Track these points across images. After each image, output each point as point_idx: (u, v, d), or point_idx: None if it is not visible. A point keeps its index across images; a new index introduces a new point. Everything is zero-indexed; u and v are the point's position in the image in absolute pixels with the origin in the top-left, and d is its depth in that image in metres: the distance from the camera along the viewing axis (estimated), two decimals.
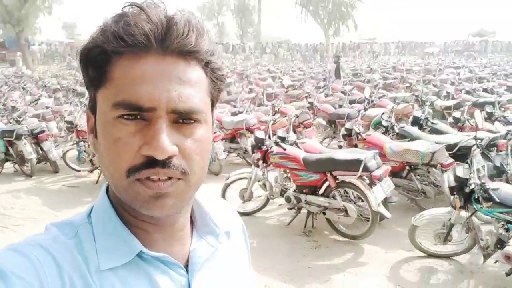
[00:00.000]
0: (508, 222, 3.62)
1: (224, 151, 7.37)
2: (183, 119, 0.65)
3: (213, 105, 0.73)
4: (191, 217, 0.80)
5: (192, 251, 0.76)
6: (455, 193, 4.01)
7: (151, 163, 0.62)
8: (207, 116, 0.69)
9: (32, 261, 0.62)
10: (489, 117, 7.40)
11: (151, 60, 0.63)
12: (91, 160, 7.30)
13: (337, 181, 4.73)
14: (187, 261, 0.75)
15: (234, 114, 8.77)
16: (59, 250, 0.65)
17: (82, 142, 7.52)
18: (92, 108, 0.70)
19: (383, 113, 6.69)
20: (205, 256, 0.76)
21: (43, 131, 7.65)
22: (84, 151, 7.47)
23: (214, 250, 0.79)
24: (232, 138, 7.93)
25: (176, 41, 0.64)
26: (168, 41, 0.64)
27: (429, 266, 4.28)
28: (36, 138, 7.55)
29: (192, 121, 0.66)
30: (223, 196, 5.49)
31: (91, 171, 7.41)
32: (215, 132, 7.19)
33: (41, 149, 7.62)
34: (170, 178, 0.64)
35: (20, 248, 0.64)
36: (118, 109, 0.63)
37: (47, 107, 10.51)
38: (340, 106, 9.18)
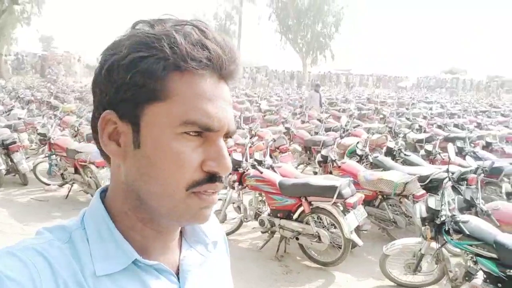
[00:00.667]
0: (477, 255, 3.69)
1: None
2: (225, 137, 0.71)
3: None
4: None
5: (183, 259, 0.77)
6: (426, 224, 4.08)
7: (212, 178, 0.67)
8: None
9: (27, 266, 0.61)
10: (460, 152, 7.60)
11: (211, 81, 0.67)
12: (62, 174, 7.11)
13: (311, 207, 4.76)
14: (177, 269, 0.76)
15: None
16: (54, 254, 0.65)
17: (54, 156, 7.34)
18: (129, 117, 0.67)
19: (358, 142, 6.81)
20: (195, 264, 0.78)
21: (14, 142, 7.39)
22: (56, 164, 7.30)
23: (204, 259, 0.81)
24: None
25: (234, 69, 0.70)
26: (229, 69, 0.69)
27: None
28: (7, 149, 7.30)
29: (227, 139, 0.72)
30: None
31: (61, 186, 7.23)
32: None
33: (11, 160, 7.37)
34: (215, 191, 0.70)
35: (15, 251, 0.63)
36: (188, 126, 0.65)
37: (20, 118, 10.26)
38: (316, 133, 9.31)
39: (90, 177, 6.50)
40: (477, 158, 6.71)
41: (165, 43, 0.64)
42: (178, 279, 0.75)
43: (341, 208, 4.61)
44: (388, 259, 4.42)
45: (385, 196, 5.49)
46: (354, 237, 4.56)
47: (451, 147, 4.72)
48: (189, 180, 0.66)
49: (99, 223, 0.71)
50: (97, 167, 6.39)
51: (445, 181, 4.88)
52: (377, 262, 4.56)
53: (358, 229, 4.86)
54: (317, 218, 4.85)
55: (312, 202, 4.75)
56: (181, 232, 0.81)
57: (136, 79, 0.64)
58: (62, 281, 0.62)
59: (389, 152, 7.02)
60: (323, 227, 4.79)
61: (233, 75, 0.70)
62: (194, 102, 0.65)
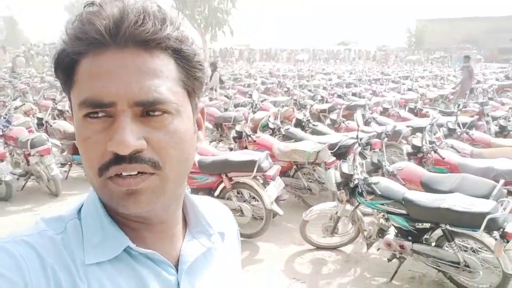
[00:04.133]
0: (388, 212, 4.02)
1: None
2: (149, 111, 0.63)
3: (190, 94, 0.70)
4: (184, 216, 0.80)
5: (183, 250, 0.75)
6: (341, 188, 4.35)
7: (118, 159, 0.61)
8: (181, 106, 0.66)
9: (15, 257, 0.60)
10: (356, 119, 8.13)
11: (109, 55, 0.62)
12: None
13: (232, 182, 4.84)
14: (178, 260, 0.74)
15: None
16: (44, 245, 0.64)
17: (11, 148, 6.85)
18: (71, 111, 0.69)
19: (269, 116, 6.99)
20: (196, 256, 0.75)
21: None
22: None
23: (206, 250, 0.77)
24: None
25: (129, 31, 0.62)
26: (121, 33, 0.62)
27: (319, 258, 4.59)
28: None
29: (160, 113, 0.63)
30: None
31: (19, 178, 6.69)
32: None
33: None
34: (141, 173, 0.63)
35: (4, 244, 0.62)
36: (82, 108, 0.62)
37: None
38: (226, 110, 9.36)
39: (39, 167, 6.19)
40: (381, 123, 7.21)
41: (64, 33, 0.65)
42: (178, 270, 0.72)
43: (261, 181, 4.74)
44: (307, 224, 4.65)
45: (299, 165, 5.73)
46: (275, 207, 4.73)
47: (359, 115, 5.03)
48: (98, 165, 0.62)
49: (93, 213, 0.70)
50: (41, 155, 6.09)
51: (355, 146, 5.21)
52: (297, 229, 4.79)
53: (277, 200, 5.03)
54: (238, 193, 4.94)
55: (232, 178, 4.83)
56: (186, 222, 0.79)
57: (56, 74, 0.67)
58: (51, 271, 0.62)
59: (298, 124, 7.31)
60: (244, 201, 4.91)
61: (138, 37, 0.62)
62: (86, 82, 0.62)
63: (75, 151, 7.07)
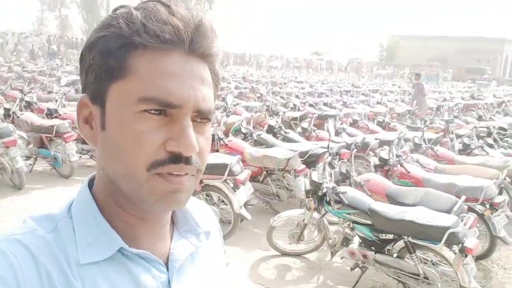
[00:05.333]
0: (354, 222, 4.12)
1: (76, 153, 6.94)
2: (200, 118, 0.68)
3: None
4: (171, 215, 0.81)
5: (173, 248, 0.76)
6: (310, 196, 4.42)
7: (176, 159, 0.64)
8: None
9: (8, 257, 0.60)
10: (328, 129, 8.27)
11: (178, 57, 0.65)
12: None
13: (202, 185, 4.85)
14: (167, 258, 0.75)
15: None
16: (37, 244, 0.64)
17: None
18: (97, 99, 0.68)
19: (242, 121, 7.03)
20: (185, 254, 0.76)
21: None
22: None
23: (194, 249, 0.79)
24: None
25: (205, 44, 0.67)
26: (198, 43, 0.66)
27: (284, 264, 4.65)
28: None
29: (206, 121, 0.69)
30: None
31: None
32: (68, 132, 6.77)
33: None
34: (186, 174, 0.66)
35: None
36: (146, 103, 0.63)
37: None
38: None
39: (3, 159, 6.01)
40: (351, 134, 7.36)
41: (121, 20, 0.64)
42: (168, 269, 0.73)
43: (231, 185, 4.77)
44: (274, 230, 4.70)
45: (269, 171, 5.79)
46: (243, 211, 4.77)
47: (331, 125, 5.14)
48: (150, 160, 0.64)
49: (85, 211, 0.70)
50: (6, 147, 5.94)
51: (325, 156, 5.31)
52: (263, 234, 4.83)
53: (245, 204, 5.07)
54: (207, 196, 4.95)
55: (202, 180, 4.83)
56: (173, 221, 0.80)
57: (97, 59, 0.66)
58: (45, 271, 0.62)
59: (270, 130, 7.37)
60: (213, 204, 4.92)
61: (205, 51, 0.68)
62: (153, 78, 0.63)
63: (41, 144, 6.94)
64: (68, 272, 0.64)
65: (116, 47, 0.64)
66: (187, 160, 0.65)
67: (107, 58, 0.65)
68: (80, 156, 7.19)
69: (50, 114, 7.73)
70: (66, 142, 6.66)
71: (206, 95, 0.67)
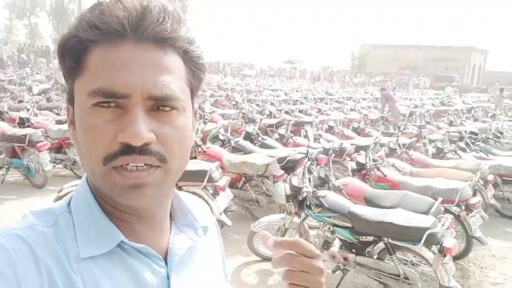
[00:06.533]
0: (334, 225, 4.15)
1: (50, 162, 6.80)
2: (159, 106, 0.65)
3: (193, 94, 0.73)
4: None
5: (171, 243, 0.76)
6: (290, 200, 4.44)
7: (128, 150, 0.62)
8: (186, 104, 0.69)
9: (8, 251, 0.60)
10: (306, 135, 8.34)
11: (126, 47, 0.64)
12: None
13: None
14: (166, 253, 0.75)
15: (59, 122, 8.18)
16: (36, 239, 0.63)
17: None
18: (71, 99, 0.69)
19: (219, 128, 7.02)
20: (184, 249, 0.76)
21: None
22: None
23: (193, 243, 0.79)
24: (59, 148, 7.39)
25: (151, 28, 0.64)
26: (143, 28, 0.64)
27: (266, 269, 4.64)
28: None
29: (169, 109, 0.65)
30: None
31: None
32: (41, 141, 6.63)
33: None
34: (148, 166, 0.64)
35: None
36: (93, 97, 0.63)
37: None
38: None
39: None
40: (329, 140, 7.43)
41: (75, 20, 0.66)
42: (166, 263, 0.73)
43: (211, 191, 4.75)
44: (255, 236, 4.70)
45: (248, 177, 5.79)
46: (224, 218, 4.75)
47: (310, 131, 5.20)
48: (104, 154, 0.63)
49: (84, 206, 0.70)
50: None
51: (305, 161, 5.33)
52: (243, 240, 4.82)
53: (225, 211, 5.05)
54: None
55: (182, 187, 4.79)
56: (171, 215, 0.80)
57: (60, 60, 0.68)
58: (44, 265, 0.61)
59: (248, 137, 7.39)
60: None
61: (157, 35, 0.65)
62: (100, 71, 0.63)
63: (13, 154, 6.78)
64: (68, 267, 0.63)
65: (70, 46, 0.65)
66: (141, 150, 0.63)
67: (65, 58, 0.67)
68: (54, 166, 7.06)
69: (22, 123, 7.58)
70: (39, 152, 6.53)
71: (161, 81, 0.64)
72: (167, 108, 0.65)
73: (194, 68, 0.71)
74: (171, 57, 0.67)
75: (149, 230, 0.73)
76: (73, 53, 0.65)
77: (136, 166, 0.63)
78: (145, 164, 0.64)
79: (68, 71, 0.67)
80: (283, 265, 0.72)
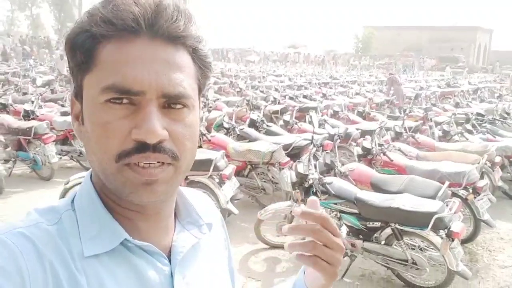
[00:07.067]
0: (341, 211, 4.14)
1: (56, 154, 6.82)
2: (171, 103, 0.65)
3: (200, 91, 0.73)
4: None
5: (175, 241, 0.75)
6: (296, 187, 4.43)
7: (142, 147, 0.63)
8: (195, 102, 0.69)
9: (12, 249, 0.60)
10: (311, 121, 8.30)
11: (140, 43, 0.64)
12: None
13: (186, 181, 4.81)
14: (170, 250, 0.74)
15: (64, 113, 8.20)
16: (41, 237, 0.63)
17: None
18: (78, 94, 0.69)
19: (224, 116, 7.00)
20: (188, 247, 0.76)
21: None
22: None
23: (197, 240, 0.78)
24: (65, 139, 7.41)
25: (166, 25, 0.64)
26: (158, 25, 0.64)
27: (273, 257, 4.66)
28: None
29: (180, 106, 0.66)
30: None
31: None
32: (46, 133, 6.65)
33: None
34: (160, 163, 0.64)
35: (0, 235, 0.61)
36: (107, 93, 0.62)
37: None
38: None
39: None
40: (334, 126, 7.39)
41: (85, 15, 0.65)
42: (170, 261, 0.73)
43: (217, 180, 4.75)
44: (262, 224, 4.70)
45: (253, 165, 5.78)
46: (230, 206, 4.76)
47: (315, 117, 5.16)
48: (117, 151, 0.63)
49: (88, 203, 0.70)
50: None
51: (310, 147, 5.31)
52: (250, 228, 4.83)
53: (231, 199, 5.06)
54: None
55: (188, 177, 4.80)
56: (175, 213, 0.79)
57: (69, 56, 0.68)
58: (48, 263, 0.62)
59: (252, 124, 7.37)
60: None
61: (171, 33, 0.65)
62: (113, 67, 0.63)
63: (19, 146, 6.81)
64: (72, 265, 0.63)
65: (81, 41, 0.65)
66: (155, 148, 0.63)
67: (75, 53, 0.66)
68: (60, 158, 7.08)
69: (27, 115, 7.59)
70: (45, 144, 6.54)
71: (175, 78, 0.65)
72: (178, 106, 0.66)
73: (202, 67, 0.71)
74: (182, 55, 0.67)
75: (153, 227, 0.73)
76: (84, 48, 0.64)
77: (149, 163, 0.63)
78: (157, 162, 0.64)
79: (77, 66, 0.66)
80: (301, 248, 0.73)
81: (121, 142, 0.63)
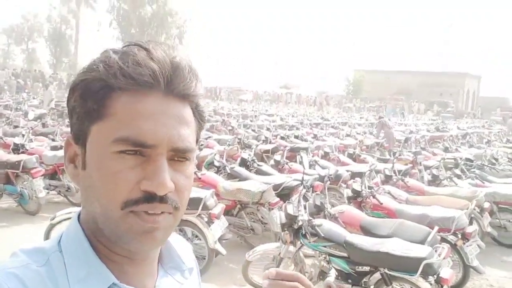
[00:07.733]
0: (330, 254, 4.10)
1: (44, 188, 6.74)
2: (178, 157, 0.68)
3: (196, 142, 0.76)
4: None
5: (158, 286, 0.76)
6: (285, 229, 4.39)
7: (150, 198, 0.65)
8: (194, 154, 0.73)
9: None
10: (302, 161, 8.33)
11: (154, 98, 0.67)
12: None
13: None
14: None
15: (54, 148, 8.16)
16: (32, 278, 0.64)
17: None
18: (80, 139, 0.70)
19: (215, 154, 7.01)
20: None
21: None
22: None
23: (179, 286, 0.79)
24: (53, 174, 7.34)
25: (182, 85, 0.68)
26: (174, 85, 0.68)
27: None
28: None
29: (183, 159, 0.69)
30: (47, 238, 5.01)
31: None
32: (35, 167, 6.60)
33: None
34: (162, 212, 0.67)
35: None
36: (120, 144, 0.65)
37: None
38: None
39: None
40: (324, 167, 7.42)
41: (101, 64, 0.67)
42: None
43: (205, 219, 4.70)
44: (250, 265, 4.63)
45: (243, 205, 5.75)
46: (218, 246, 4.69)
47: (305, 158, 5.18)
48: (124, 198, 0.65)
49: (76, 246, 0.70)
50: None
51: (300, 188, 5.31)
52: (238, 269, 4.75)
53: (220, 239, 5.00)
54: (180, 231, 4.86)
55: None
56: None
57: (78, 102, 0.69)
58: None
59: (243, 163, 7.37)
60: (187, 239, 4.82)
61: (183, 92, 0.69)
62: (128, 120, 0.65)
63: (7, 180, 6.72)
64: None
65: (95, 89, 0.67)
66: (161, 199, 0.66)
67: (87, 101, 0.67)
68: (48, 192, 6.99)
69: (17, 149, 7.54)
70: (33, 178, 6.48)
71: (183, 134, 0.68)
72: (183, 159, 0.69)
73: (201, 121, 0.76)
74: (188, 110, 0.71)
75: (139, 271, 0.74)
76: (98, 97, 0.66)
77: (154, 212, 0.66)
78: (161, 211, 0.67)
79: (86, 112, 0.68)
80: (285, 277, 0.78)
81: (128, 191, 0.65)
